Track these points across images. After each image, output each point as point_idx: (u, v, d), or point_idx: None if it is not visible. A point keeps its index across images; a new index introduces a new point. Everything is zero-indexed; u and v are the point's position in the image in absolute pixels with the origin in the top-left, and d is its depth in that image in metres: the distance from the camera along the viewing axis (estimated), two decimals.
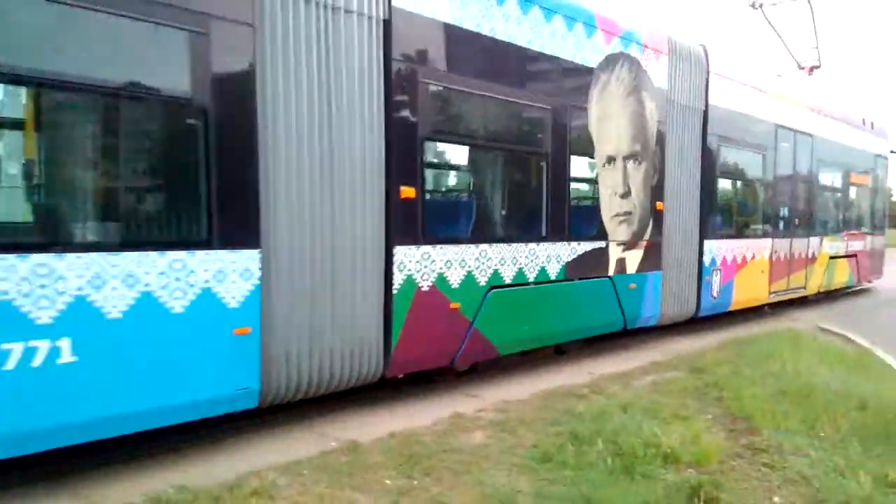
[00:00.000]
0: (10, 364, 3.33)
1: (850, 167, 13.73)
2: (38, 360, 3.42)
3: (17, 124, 4.15)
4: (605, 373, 6.57)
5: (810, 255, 12.10)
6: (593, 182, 7.22)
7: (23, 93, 3.92)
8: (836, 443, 4.68)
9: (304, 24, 4.52)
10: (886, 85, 78.25)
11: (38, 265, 3.43)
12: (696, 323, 9.01)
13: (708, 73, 8.78)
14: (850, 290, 14.54)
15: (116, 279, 3.71)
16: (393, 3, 5.04)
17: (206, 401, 4.16)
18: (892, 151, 15.78)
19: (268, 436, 4.69)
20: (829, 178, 13.14)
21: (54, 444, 3.58)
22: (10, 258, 3.36)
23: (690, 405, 5.53)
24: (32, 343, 3.41)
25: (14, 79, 3.65)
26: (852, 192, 14.14)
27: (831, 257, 12.88)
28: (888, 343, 8.65)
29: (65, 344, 3.52)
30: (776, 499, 3.99)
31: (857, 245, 14.07)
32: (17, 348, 3.35)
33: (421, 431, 4.72)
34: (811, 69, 15.22)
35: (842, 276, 13.51)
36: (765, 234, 10.64)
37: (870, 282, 15.30)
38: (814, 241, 12.25)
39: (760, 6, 14.54)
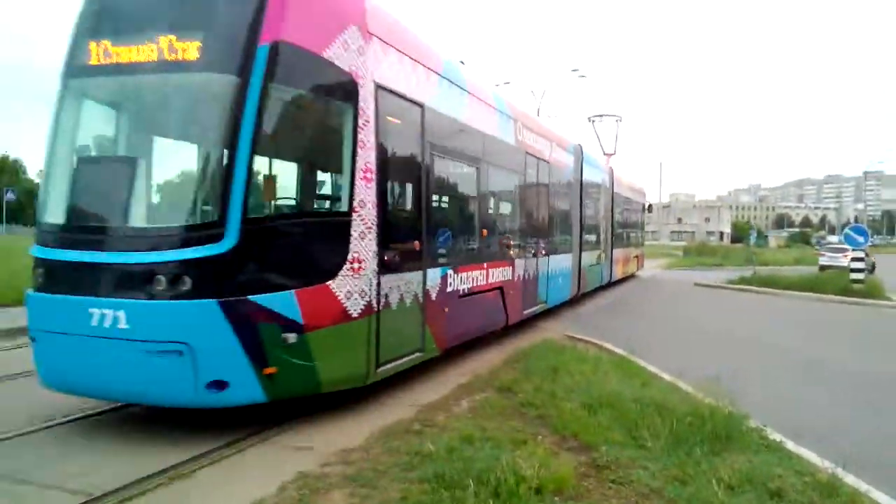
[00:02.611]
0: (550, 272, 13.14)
1: (637, 212, 26.87)
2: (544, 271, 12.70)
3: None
4: (423, 403, 6.37)
5: (629, 257, 24.58)
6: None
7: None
8: (661, 450, 5.04)
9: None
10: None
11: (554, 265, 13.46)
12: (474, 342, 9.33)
13: (608, 172, 20.48)
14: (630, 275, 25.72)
15: (552, 264, 13.10)
16: (583, 177, 16.01)
17: (562, 298, 14.30)
18: (648, 203, 30.63)
19: None
20: (636, 219, 26.64)
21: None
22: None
23: (519, 428, 5.58)
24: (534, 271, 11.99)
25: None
26: (638, 225, 27.39)
27: (633, 256, 25.79)
28: (619, 342, 9.79)
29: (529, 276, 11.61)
30: None
31: (639, 251, 27.67)
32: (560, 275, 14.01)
33: (270, 502, 4.07)
34: (609, 156, 24.07)
35: (636, 266, 26.89)
36: (621, 246, 22.40)
37: (633, 272, 26.88)
38: (631, 249, 25.20)
39: (593, 122, 24.67)
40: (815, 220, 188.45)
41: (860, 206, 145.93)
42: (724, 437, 5.30)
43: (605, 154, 23.08)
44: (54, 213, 5.66)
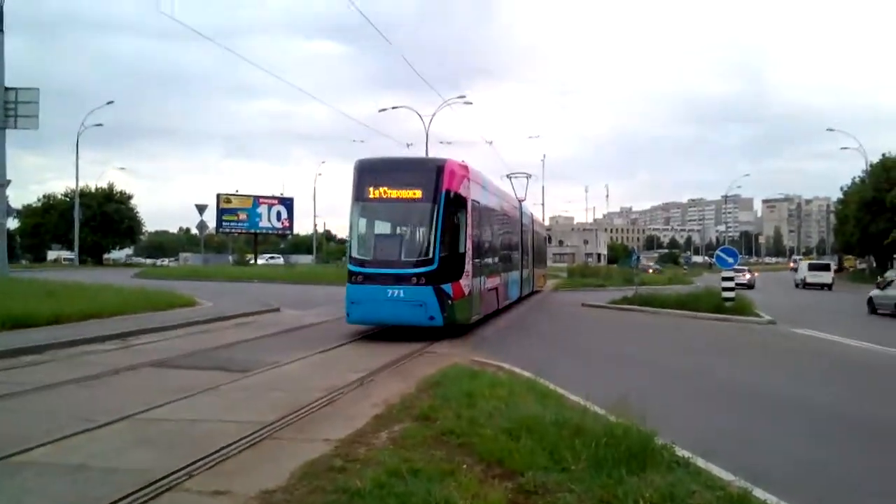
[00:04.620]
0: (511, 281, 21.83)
1: (543, 242, 37.17)
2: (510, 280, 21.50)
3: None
4: (339, 437, 6.16)
5: (541, 275, 33.90)
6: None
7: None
8: (584, 472, 5.12)
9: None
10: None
11: (512, 276, 22.50)
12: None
13: (531, 216, 30.36)
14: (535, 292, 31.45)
15: (512, 276, 21.90)
16: (522, 221, 25.17)
17: (515, 297, 22.99)
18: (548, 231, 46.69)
19: None
20: (544, 247, 37.75)
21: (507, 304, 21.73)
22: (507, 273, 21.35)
23: (444, 457, 5.48)
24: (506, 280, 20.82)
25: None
26: (544, 251, 38.54)
27: (542, 275, 35.02)
28: (523, 365, 10.05)
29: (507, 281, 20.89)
30: None
31: (545, 271, 38.14)
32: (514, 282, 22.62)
33: None
34: (521, 201, 26.86)
35: (544, 282, 35.64)
36: (538, 267, 31.57)
37: (543, 286, 35.27)
38: (542, 269, 35.26)
39: (510, 177, 27.84)
40: (681, 240, 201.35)
41: (721, 227, 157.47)
42: (639, 456, 5.47)
43: (519, 200, 26.72)
44: (363, 254, 14.18)
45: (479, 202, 15.67)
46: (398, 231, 14.78)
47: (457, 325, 14.26)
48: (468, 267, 14.38)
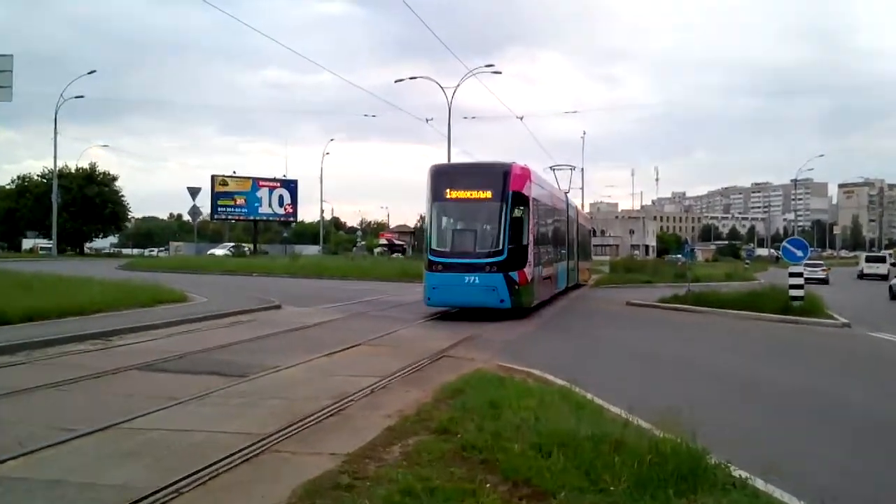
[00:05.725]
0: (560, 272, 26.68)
1: (588, 235, 42.20)
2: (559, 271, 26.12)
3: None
4: (347, 451, 6.23)
5: (585, 268, 37.40)
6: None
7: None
8: (624, 494, 5.13)
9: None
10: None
11: (561, 268, 26.96)
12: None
13: (576, 209, 35.10)
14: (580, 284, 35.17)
15: (560, 267, 26.67)
16: (568, 214, 29.33)
17: (563, 287, 27.56)
18: (592, 227, 52.71)
19: None
20: (588, 240, 42.48)
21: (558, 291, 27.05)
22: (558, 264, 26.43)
23: (464, 475, 5.53)
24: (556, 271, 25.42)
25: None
26: (589, 244, 43.33)
27: (587, 268, 38.92)
28: (556, 371, 10.04)
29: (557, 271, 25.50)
30: None
31: (589, 265, 41.84)
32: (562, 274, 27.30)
33: None
34: (566, 193, 30.75)
35: (588, 275, 39.03)
36: (582, 259, 35.36)
37: (587, 280, 38.84)
38: (586, 262, 39.35)
39: (553, 169, 31.95)
40: (742, 231, 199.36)
41: (790, 216, 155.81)
42: (689, 476, 5.44)
43: (564, 193, 31.04)
44: (441, 247, 18.82)
45: (537, 200, 19.95)
46: (471, 226, 19.21)
47: (522, 308, 18.72)
48: (531, 257, 18.77)
